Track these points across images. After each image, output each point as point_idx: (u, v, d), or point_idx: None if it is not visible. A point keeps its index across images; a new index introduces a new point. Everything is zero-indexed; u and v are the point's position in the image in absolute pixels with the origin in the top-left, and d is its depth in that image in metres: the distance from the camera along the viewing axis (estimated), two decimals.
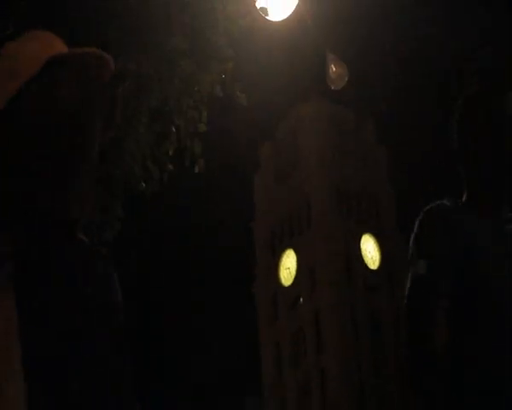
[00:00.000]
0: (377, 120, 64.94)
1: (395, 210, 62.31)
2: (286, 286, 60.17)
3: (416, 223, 2.27)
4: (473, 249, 2.23)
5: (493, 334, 2.14)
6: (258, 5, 5.22)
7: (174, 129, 6.47)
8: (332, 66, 6.58)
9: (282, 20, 5.64)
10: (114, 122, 1.76)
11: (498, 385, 2.13)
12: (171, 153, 6.55)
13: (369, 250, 59.79)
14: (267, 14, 5.39)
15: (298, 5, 5.71)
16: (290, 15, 5.71)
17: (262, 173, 63.08)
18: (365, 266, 59.78)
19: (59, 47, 1.65)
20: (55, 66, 1.57)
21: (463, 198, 2.41)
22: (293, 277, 60.03)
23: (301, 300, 59.03)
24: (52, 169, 1.53)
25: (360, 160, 62.39)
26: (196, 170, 6.69)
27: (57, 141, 1.53)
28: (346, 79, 6.95)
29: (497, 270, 2.16)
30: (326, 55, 6.72)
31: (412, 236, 2.30)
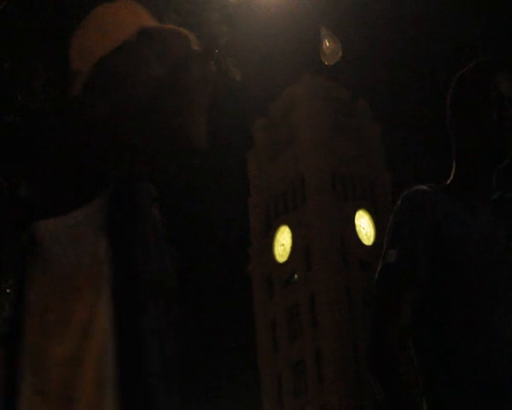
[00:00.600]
0: (372, 97, 65.00)
1: (390, 187, 61.58)
2: (281, 263, 60.18)
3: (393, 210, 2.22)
4: (444, 235, 2.19)
5: (464, 319, 2.11)
6: None
7: None
8: (326, 41, 6.62)
9: None
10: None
11: (468, 368, 2.11)
12: None
13: (364, 226, 59.55)
14: None
15: None
16: None
17: (256, 150, 62.67)
18: (360, 243, 59.46)
19: (147, 19, 1.70)
20: (143, 37, 1.62)
21: (450, 179, 2.39)
22: (287, 253, 60.17)
23: (296, 277, 58.44)
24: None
25: (355, 137, 61.43)
26: None
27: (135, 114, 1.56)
28: (340, 54, 6.87)
29: (470, 254, 2.13)
30: (320, 31, 6.70)
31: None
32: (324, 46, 6.61)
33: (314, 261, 56.83)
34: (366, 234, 59.27)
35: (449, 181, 2.32)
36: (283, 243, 58.94)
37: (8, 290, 5.98)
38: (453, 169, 2.29)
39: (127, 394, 1.45)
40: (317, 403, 56.10)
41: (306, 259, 57.36)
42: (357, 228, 59.08)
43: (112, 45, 1.62)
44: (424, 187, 2.33)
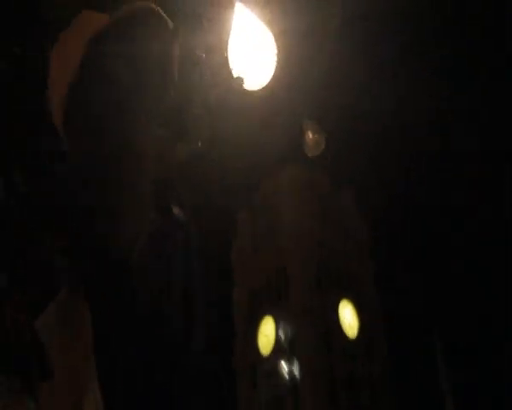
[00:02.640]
0: (357, 187, 65.62)
1: (373, 278, 61.63)
2: (264, 355, 59.06)
3: None
4: None
5: None
6: (235, 74, 5.19)
7: None
8: (309, 132, 6.64)
9: (259, 89, 5.64)
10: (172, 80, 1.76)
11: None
12: None
13: (347, 317, 59.01)
14: (243, 84, 5.33)
15: (275, 73, 5.73)
16: (268, 83, 5.70)
17: (239, 240, 62.34)
18: (344, 335, 58.71)
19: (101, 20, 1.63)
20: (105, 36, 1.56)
21: None
22: (271, 345, 58.94)
23: (280, 368, 57.54)
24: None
25: (340, 228, 61.29)
26: None
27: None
28: (323, 146, 7.01)
29: None
30: (303, 122, 6.79)
31: None
32: (307, 138, 6.73)
33: (298, 353, 55.72)
34: (349, 325, 58.56)
35: None
36: (267, 333, 57.98)
37: None
38: None
39: None
40: None
41: (291, 350, 56.18)
42: (341, 320, 58.39)
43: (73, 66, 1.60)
44: None
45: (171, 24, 1.76)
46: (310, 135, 6.49)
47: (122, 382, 1.50)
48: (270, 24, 4.72)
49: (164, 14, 1.80)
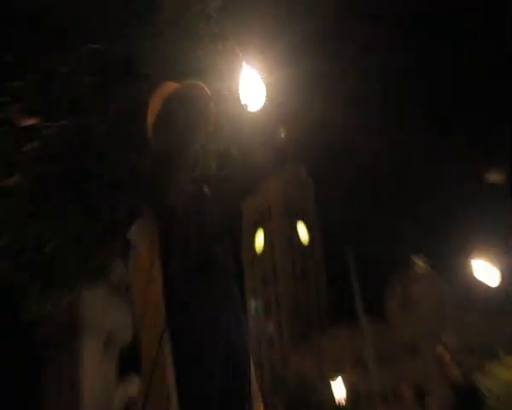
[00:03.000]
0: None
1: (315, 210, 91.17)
2: (258, 253, 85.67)
3: None
4: None
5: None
6: (241, 100, 5.76)
7: None
8: (282, 134, 8.21)
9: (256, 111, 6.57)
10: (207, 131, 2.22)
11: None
12: None
13: (302, 232, 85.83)
14: (248, 108, 5.99)
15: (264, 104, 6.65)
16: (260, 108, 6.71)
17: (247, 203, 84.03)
18: (300, 242, 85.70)
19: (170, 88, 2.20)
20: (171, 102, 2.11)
21: None
22: (262, 247, 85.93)
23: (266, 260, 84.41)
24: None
25: (297, 184, 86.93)
26: None
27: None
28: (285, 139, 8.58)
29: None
30: (279, 132, 8.29)
31: None
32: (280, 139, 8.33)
33: (276, 252, 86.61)
34: (303, 236, 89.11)
35: None
36: (260, 240, 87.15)
37: None
38: None
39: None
40: None
41: (272, 250, 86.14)
42: (299, 232, 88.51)
43: (157, 107, 2.17)
44: None
45: (210, 94, 2.13)
46: (282, 135, 8.29)
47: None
48: (262, 74, 6.32)
49: (206, 89, 2.16)
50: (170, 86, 2.20)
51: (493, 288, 14.32)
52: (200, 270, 1.84)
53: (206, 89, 2.12)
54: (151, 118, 2.17)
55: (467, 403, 5.74)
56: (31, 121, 4.76)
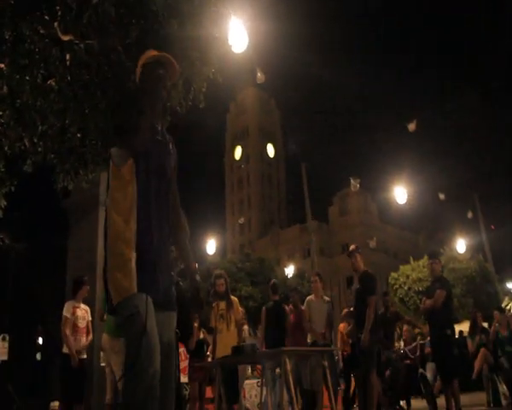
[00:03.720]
0: None
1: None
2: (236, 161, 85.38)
3: None
4: None
5: None
6: (228, 42, 5.85)
7: None
8: (258, 73, 8.35)
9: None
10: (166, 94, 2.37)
11: None
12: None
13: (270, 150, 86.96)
14: (233, 49, 6.06)
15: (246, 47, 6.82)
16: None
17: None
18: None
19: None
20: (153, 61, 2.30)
21: None
22: (239, 157, 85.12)
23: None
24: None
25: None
26: None
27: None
28: (263, 79, 8.67)
29: None
30: (256, 70, 8.45)
31: None
32: (258, 76, 8.41)
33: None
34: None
35: None
36: (239, 153, 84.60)
37: None
38: None
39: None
40: None
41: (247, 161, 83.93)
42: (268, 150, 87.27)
43: (139, 69, 2.32)
44: None
45: (175, 63, 2.33)
46: (258, 74, 8.42)
47: None
48: (247, 21, 6.35)
49: (172, 59, 2.33)
50: (151, 53, 2.38)
51: (406, 207, 15.05)
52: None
53: (173, 59, 2.35)
54: (137, 71, 2.37)
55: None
56: (67, 38, 4.85)
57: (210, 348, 6.94)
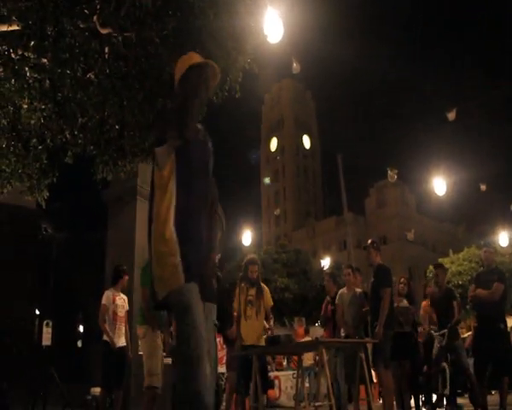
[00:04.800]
0: None
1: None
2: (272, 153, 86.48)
3: None
4: None
5: None
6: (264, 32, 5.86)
7: None
8: (294, 63, 8.28)
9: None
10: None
11: None
12: None
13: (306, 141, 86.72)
14: (268, 39, 6.06)
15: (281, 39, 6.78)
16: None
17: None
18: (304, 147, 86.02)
19: (198, 58, 2.42)
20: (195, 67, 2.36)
21: None
22: (275, 149, 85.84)
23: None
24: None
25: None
26: None
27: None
28: (299, 69, 8.58)
29: None
30: (292, 60, 8.37)
31: None
32: (294, 66, 8.32)
33: (286, 155, 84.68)
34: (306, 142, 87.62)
35: None
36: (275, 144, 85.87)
37: None
38: None
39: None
40: None
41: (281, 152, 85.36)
42: (304, 141, 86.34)
43: (183, 70, 2.37)
44: None
45: (218, 71, 2.44)
46: (294, 64, 8.34)
47: None
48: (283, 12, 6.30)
49: (216, 67, 2.43)
50: (195, 57, 2.43)
51: (445, 198, 14.64)
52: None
53: (216, 67, 2.39)
54: (178, 75, 2.42)
55: None
56: (105, 31, 4.89)
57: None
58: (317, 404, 6.26)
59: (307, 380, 9.73)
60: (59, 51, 4.70)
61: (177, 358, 2.06)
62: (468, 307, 8.00)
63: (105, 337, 6.31)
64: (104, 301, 6.37)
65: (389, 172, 14.30)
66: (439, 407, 7.29)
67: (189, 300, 2.02)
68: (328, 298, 7.33)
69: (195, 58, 2.40)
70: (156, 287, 2.13)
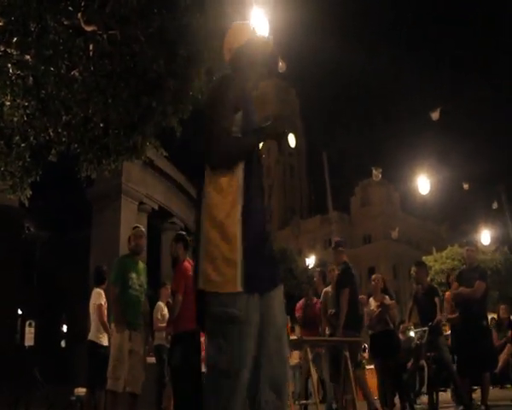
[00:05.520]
0: None
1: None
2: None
3: None
4: None
5: None
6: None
7: None
8: (280, 62, 8.30)
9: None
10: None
11: None
12: None
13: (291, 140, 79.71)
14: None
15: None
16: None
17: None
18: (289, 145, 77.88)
19: (251, 32, 2.22)
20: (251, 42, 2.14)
21: None
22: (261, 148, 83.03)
23: None
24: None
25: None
26: None
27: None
28: (284, 68, 8.57)
29: None
30: (278, 59, 8.35)
31: None
32: (279, 65, 8.37)
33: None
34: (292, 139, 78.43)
35: None
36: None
37: None
38: None
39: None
40: None
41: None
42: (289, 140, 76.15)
43: (239, 44, 2.15)
44: None
45: (274, 48, 2.37)
46: (280, 63, 8.35)
47: None
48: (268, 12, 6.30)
49: (272, 44, 2.26)
50: (248, 31, 2.23)
51: (429, 197, 14.84)
52: None
53: (272, 44, 2.25)
54: (229, 51, 2.20)
55: None
56: (90, 28, 4.87)
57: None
58: (302, 402, 6.26)
59: (293, 379, 9.75)
60: (42, 48, 4.64)
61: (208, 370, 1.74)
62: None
63: (90, 337, 6.20)
64: (100, 300, 6.22)
65: (374, 171, 14.42)
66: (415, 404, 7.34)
67: (240, 314, 1.72)
68: (312, 298, 7.38)
69: (249, 32, 2.20)
70: (207, 285, 1.82)
